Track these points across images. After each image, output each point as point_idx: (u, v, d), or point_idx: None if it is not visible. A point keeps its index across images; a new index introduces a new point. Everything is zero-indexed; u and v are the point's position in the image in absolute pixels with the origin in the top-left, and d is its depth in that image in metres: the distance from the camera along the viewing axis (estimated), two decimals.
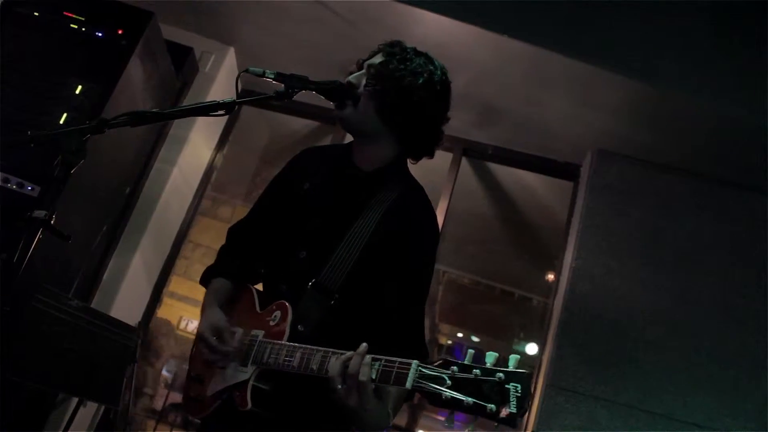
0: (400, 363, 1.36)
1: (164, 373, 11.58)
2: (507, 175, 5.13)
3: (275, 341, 1.68)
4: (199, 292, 2.07)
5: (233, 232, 2.12)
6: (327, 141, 4.90)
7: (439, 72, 1.91)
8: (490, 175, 5.20)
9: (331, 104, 1.88)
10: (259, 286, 2.00)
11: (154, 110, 1.57)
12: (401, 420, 10.68)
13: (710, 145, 3.91)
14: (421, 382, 1.30)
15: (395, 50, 1.92)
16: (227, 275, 2.02)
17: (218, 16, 4.30)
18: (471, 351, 1.28)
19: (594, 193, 4.21)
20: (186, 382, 1.95)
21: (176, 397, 10.26)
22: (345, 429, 1.75)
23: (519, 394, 1.17)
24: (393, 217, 1.82)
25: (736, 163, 3.96)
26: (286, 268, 1.84)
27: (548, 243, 5.58)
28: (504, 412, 1.18)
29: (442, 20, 3.64)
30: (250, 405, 1.65)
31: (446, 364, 1.28)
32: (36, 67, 3.36)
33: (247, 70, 1.71)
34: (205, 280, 2.04)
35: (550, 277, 5.44)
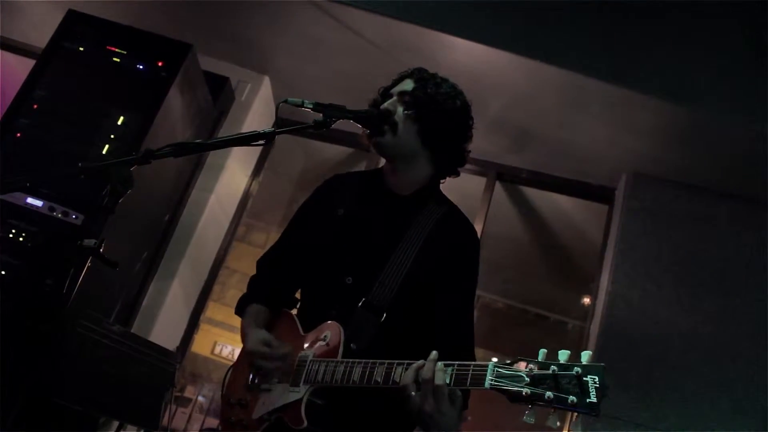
0: (475, 365, 1.41)
1: (199, 398, 11.64)
2: (541, 199, 5.12)
3: (329, 359, 1.71)
4: (234, 318, 2.10)
5: (263, 263, 2.16)
6: (361, 167, 4.95)
7: (463, 94, 2.01)
8: (525, 199, 5.20)
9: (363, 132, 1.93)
10: (294, 311, 2.03)
11: (197, 141, 1.62)
12: None
13: (746, 166, 3.87)
14: (499, 382, 1.34)
15: (425, 75, 1.99)
16: (262, 301, 2.05)
17: (253, 47, 4.40)
18: (543, 350, 1.34)
19: (629, 216, 4.18)
20: (224, 408, 1.96)
21: (212, 422, 10.30)
22: None
23: (597, 385, 1.24)
24: (437, 237, 1.88)
25: None
26: (333, 294, 1.86)
27: (583, 266, 5.53)
28: (585, 403, 1.24)
29: (476, 47, 3.68)
30: (306, 423, 1.66)
31: (522, 363, 1.34)
32: (81, 99, 3.48)
33: (286, 101, 1.76)
34: (240, 309, 2.08)
35: (586, 300, 5.39)
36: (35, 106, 3.43)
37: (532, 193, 5.07)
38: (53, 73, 3.52)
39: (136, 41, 3.66)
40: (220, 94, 4.36)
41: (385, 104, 1.95)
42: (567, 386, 1.26)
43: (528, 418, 1.32)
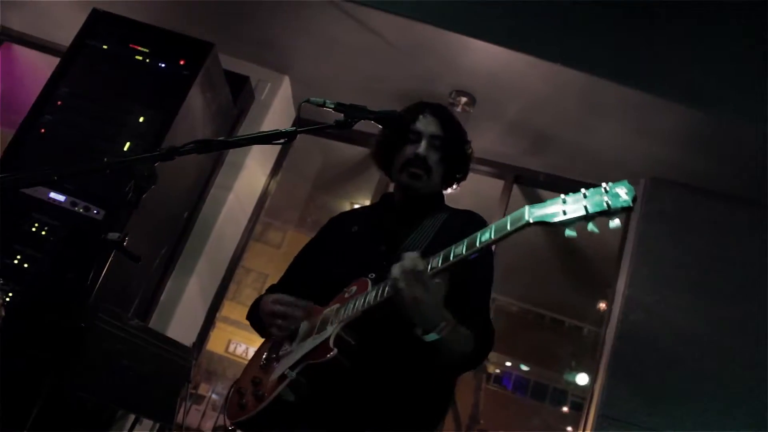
0: (512, 215, 1.56)
1: (213, 396, 11.72)
2: None
3: (360, 294, 1.75)
4: None
5: (272, 287, 2.19)
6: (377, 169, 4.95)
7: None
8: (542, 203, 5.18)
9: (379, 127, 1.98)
10: None
11: (220, 138, 1.63)
12: None
13: (765, 172, 3.83)
14: (539, 216, 1.49)
15: (447, 116, 2.14)
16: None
17: (274, 47, 4.43)
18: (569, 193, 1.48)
19: (647, 221, 4.16)
20: (234, 401, 1.91)
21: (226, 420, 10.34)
22: (428, 380, 1.84)
23: (626, 189, 1.40)
24: (452, 223, 2.00)
25: None
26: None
27: (600, 271, 5.50)
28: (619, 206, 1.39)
29: (495, 49, 3.67)
30: (335, 350, 1.65)
31: (555, 197, 1.48)
32: (104, 96, 3.53)
33: (308, 101, 1.78)
34: (252, 310, 2.10)
35: (602, 305, 5.36)
36: (59, 103, 3.48)
37: (550, 197, 5.03)
38: (77, 70, 3.57)
39: (158, 40, 3.70)
40: (240, 93, 4.40)
41: (419, 149, 2.04)
42: (600, 198, 1.41)
43: (569, 232, 1.45)
